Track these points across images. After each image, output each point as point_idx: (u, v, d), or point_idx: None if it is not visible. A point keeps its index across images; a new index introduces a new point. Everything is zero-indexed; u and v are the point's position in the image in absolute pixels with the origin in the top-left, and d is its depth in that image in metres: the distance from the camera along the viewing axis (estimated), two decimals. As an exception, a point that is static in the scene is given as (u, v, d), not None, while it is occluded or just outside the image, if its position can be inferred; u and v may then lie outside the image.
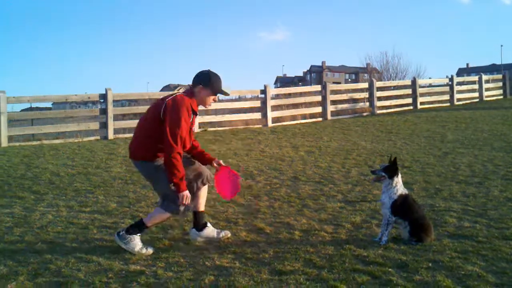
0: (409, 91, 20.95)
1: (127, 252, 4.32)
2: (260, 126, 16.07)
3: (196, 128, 14.77)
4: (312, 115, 17.79)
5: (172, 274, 3.83)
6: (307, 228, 5.03)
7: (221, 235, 4.70)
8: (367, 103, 19.29)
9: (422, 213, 4.68)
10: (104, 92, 13.85)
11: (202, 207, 4.74)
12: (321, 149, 10.62)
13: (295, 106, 18.22)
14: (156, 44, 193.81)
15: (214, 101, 4.60)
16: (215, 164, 4.76)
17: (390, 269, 3.87)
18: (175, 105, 4.27)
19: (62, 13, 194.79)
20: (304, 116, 17.69)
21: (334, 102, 18.27)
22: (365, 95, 19.35)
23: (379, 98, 19.50)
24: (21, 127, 15.14)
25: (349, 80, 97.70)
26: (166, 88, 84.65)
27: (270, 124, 16.17)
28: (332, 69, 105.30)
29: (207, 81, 4.45)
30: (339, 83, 74.00)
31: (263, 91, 16.48)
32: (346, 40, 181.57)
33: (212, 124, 15.77)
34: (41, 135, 13.97)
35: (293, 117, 17.41)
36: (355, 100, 19.52)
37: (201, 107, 4.62)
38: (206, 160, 4.75)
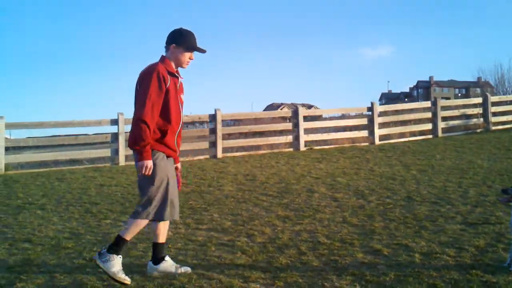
0: (528, 105, 19.66)
1: (247, 269, 4.39)
2: (367, 144, 15.79)
3: (301, 147, 14.81)
4: (421, 132, 17.19)
5: (292, 294, 3.83)
6: (427, 251, 4.82)
7: (179, 271, 4.32)
8: (481, 119, 18.33)
9: (557, 237, 4.33)
10: (213, 113, 14.32)
11: (160, 239, 4.36)
12: (434, 168, 10.20)
13: (403, 123, 17.71)
14: (258, 64, 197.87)
15: (191, 59, 4.22)
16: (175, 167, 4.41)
17: (524, 298, 3.61)
18: (145, 73, 4.02)
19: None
20: (413, 133, 17.15)
21: (445, 119, 17.53)
22: (479, 110, 18.41)
23: (494, 114, 18.46)
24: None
25: (459, 95, 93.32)
26: (269, 107, 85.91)
27: (377, 142, 15.84)
28: (440, 84, 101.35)
29: (179, 39, 4.14)
30: (448, 98, 71.11)
31: (370, 108, 16.22)
32: (455, 53, 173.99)
33: (317, 142, 15.73)
34: (155, 154, 14.61)
35: (402, 135, 16.92)
36: (467, 116, 18.61)
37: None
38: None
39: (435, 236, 5.35)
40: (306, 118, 15.97)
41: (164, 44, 4.21)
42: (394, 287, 3.89)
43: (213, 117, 14.43)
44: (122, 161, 13.18)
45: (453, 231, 5.55)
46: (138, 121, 3.90)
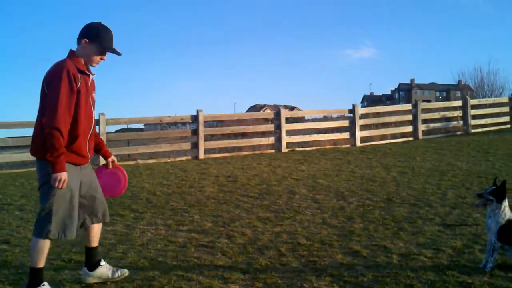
0: (506, 109, 19.98)
1: (226, 270, 4.41)
2: (348, 146, 15.90)
3: (283, 148, 14.86)
4: (402, 135, 17.36)
5: (271, 295, 3.86)
6: (405, 252, 4.89)
7: (116, 275, 4.14)
8: (461, 122, 18.57)
9: (531, 239, 4.41)
10: (195, 114, 14.30)
11: (94, 243, 4.12)
12: (414, 170, 10.31)
13: (385, 125, 17.87)
14: (241, 65, 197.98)
15: (102, 60, 3.87)
16: (109, 161, 4.28)
17: (498, 298, 3.68)
18: (53, 73, 3.65)
19: (155, 40, 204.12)
20: (394, 136, 17.30)
21: (425, 121, 17.73)
22: (459, 113, 18.65)
23: (474, 117, 18.72)
24: (118, 147, 15.78)
25: (440, 98, 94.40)
26: (252, 108, 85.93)
27: (358, 143, 15.96)
28: (421, 87, 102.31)
29: (94, 35, 3.76)
30: (429, 101, 71.84)
31: (352, 111, 16.32)
32: (437, 57, 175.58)
33: (299, 144, 15.80)
34: (136, 155, 14.56)
35: (383, 137, 17.06)
36: (447, 119, 18.84)
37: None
38: (102, 153, 4.27)
39: (413, 238, 5.42)
40: (288, 120, 16.03)
41: (77, 36, 3.84)
42: (371, 288, 3.94)
43: (195, 118, 14.41)
44: (102, 161, 13.04)
45: (431, 232, 5.62)
46: (51, 129, 3.54)
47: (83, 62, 3.81)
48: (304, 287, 4.02)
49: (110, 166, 4.35)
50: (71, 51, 3.82)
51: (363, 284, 4.05)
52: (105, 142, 4.24)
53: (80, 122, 3.75)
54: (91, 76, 3.89)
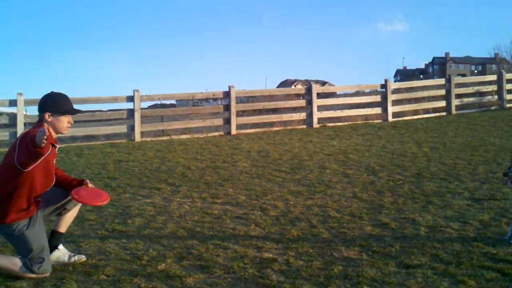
0: (543, 83, 19.54)
1: (260, 240, 4.66)
2: (380, 121, 15.91)
3: (315, 124, 14.98)
4: (435, 110, 17.22)
5: (302, 262, 4.09)
6: (433, 225, 5.05)
7: (72, 259, 4.15)
8: (496, 97, 18.30)
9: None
10: (227, 90, 14.51)
11: (61, 229, 4.23)
12: (446, 145, 10.35)
13: (417, 100, 17.75)
14: (271, 39, 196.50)
15: (71, 124, 4.04)
16: (87, 182, 4.24)
17: (521, 268, 3.82)
18: (24, 141, 3.69)
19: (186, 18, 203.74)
20: (426, 111, 17.18)
21: (459, 96, 17.54)
22: (493, 88, 18.37)
23: (509, 91, 18.40)
24: (152, 123, 16.14)
25: (475, 72, 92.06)
26: (284, 83, 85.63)
27: (390, 119, 15.95)
28: (456, 61, 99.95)
29: (52, 105, 3.92)
30: (464, 75, 70.29)
31: (384, 86, 16.27)
32: (472, 29, 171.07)
33: (331, 119, 15.89)
34: (170, 131, 14.88)
35: (415, 112, 16.96)
36: (482, 94, 18.58)
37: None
38: (75, 183, 4.22)
39: (441, 211, 5.56)
40: (320, 95, 16.12)
41: (37, 112, 4.00)
42: (398, 257, 4.13)
43: (227, 94, 14.64)
44: (138, 137, 13.45)
45: (459, 206, 5.75)
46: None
47: (53, 133, 3.95)
48: (334, 256, 4.23)
49: (89, 185, 4.27)
50: (40, 122, 3.93)
51: (390, 254, 4.24)
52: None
53: (37, 187, 3.88)
54: (57, 146, 4.07)
